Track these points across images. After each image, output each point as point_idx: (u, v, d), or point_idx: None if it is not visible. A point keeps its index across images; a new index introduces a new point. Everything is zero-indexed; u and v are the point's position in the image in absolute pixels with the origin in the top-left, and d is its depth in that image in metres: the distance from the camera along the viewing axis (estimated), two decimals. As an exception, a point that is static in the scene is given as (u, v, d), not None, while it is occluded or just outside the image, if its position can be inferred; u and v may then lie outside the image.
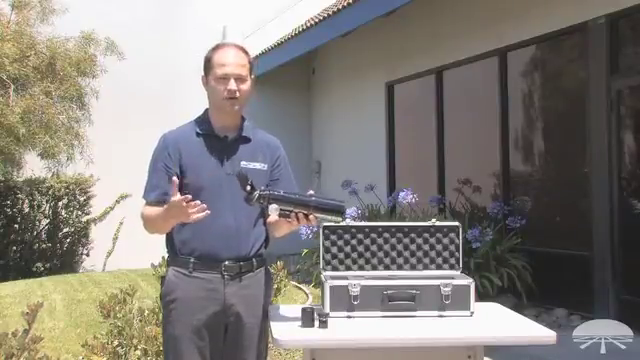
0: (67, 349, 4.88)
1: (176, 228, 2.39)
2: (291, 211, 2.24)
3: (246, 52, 2.47)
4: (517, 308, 4.66)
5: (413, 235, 2.72)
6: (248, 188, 2.19)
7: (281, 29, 10.42)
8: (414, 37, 8.16)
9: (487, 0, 6.99)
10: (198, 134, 2.45)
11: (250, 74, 2.45)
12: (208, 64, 2.43)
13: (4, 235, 10.10)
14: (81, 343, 4.04)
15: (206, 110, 2.52)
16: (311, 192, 2.30)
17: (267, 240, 2.52)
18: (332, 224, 2.73)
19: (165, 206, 2.25)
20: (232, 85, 2.38)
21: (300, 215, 2.25)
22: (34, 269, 10.02)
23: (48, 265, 10.19)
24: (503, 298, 5.57)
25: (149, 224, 2.41)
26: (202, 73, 2.47)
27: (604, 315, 5.22)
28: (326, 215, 2.28)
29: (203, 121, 2.49)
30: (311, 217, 2.26)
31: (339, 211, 2.28)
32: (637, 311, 5.11)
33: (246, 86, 2.42)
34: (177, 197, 2.17)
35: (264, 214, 2.45)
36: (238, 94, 2.39)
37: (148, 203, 2.41)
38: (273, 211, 2.21)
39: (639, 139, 5.61)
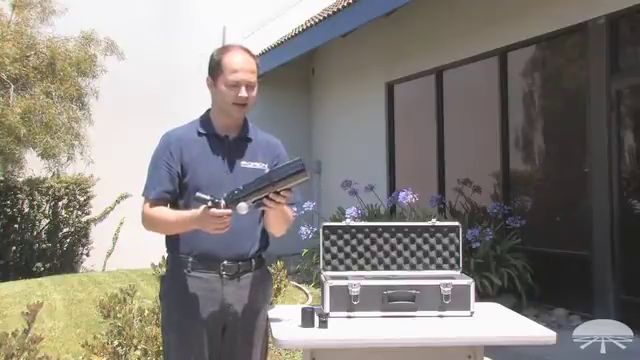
0: (67, 349, 4.87)
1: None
2: (261, 197, 2.20)
3: (253, 56, 2.47)
4: (517, 308, 4.66)
5: (413, 235, 2.71)
6: (209, 204, 2.16)
7: (281, 29, 10.43)
8: (414, 37, 8.16)
9: (487, 0, 6.99)
10: (200, 133, 2.45)
11: (257, 78, 2.46)
12: (217, 67, 2.40)
13: (4, 235, 10.10)
14: (81, 343, 4.05)
15: (208, 110, 2.52)
16: (266, 171, 2.30)
17: (267, 241, 2.52)
18: (332, 224, 2.77)
19: (197, 212, 2.20)
20: (243, 92, 2.37)
21: (272, 196, 2.20)
22: (34, 269, 10.02)
23: (48, 265, 10.19)
24: (503, 298, 5.57)
25: (157, 224, 2.39)
26: (207, 74, 2.45)
27: (604, 315, 5.21)
28: (294, 181, 2.21)
29: (205, 121, 2.49)
30: (282, 192, 2.20)
31: (300, 170, 2.20)
32: (637, 311, 5.11)
33: (255, 92, 2.43)
34: (222, 210, 2.15)
35: (264, 215, 2.45)
36: (247, 101, 2.40)
37: (148, 201, 2.41)
38: (243, 210, 2.16)
39: (639, 139, 5.62)
